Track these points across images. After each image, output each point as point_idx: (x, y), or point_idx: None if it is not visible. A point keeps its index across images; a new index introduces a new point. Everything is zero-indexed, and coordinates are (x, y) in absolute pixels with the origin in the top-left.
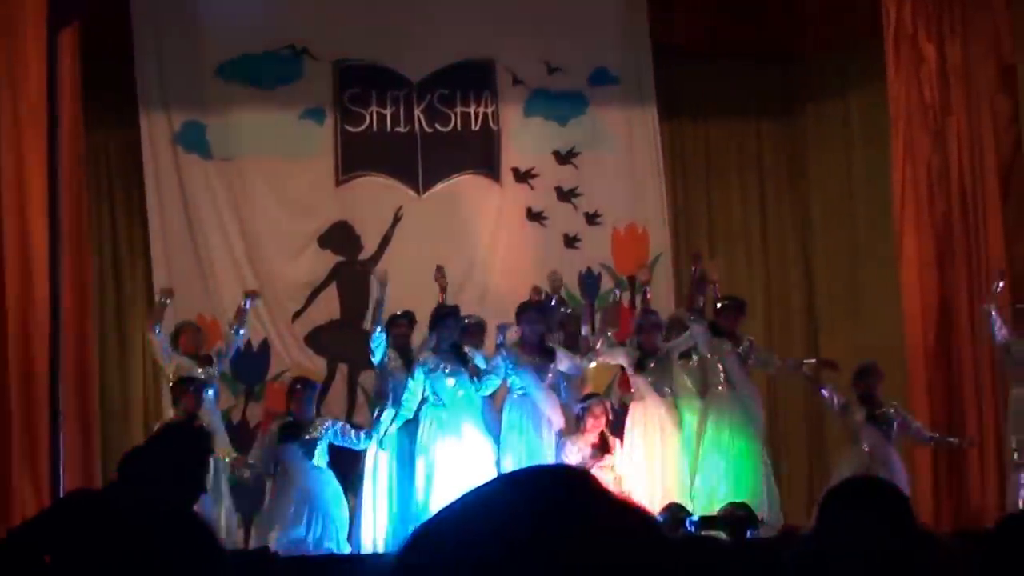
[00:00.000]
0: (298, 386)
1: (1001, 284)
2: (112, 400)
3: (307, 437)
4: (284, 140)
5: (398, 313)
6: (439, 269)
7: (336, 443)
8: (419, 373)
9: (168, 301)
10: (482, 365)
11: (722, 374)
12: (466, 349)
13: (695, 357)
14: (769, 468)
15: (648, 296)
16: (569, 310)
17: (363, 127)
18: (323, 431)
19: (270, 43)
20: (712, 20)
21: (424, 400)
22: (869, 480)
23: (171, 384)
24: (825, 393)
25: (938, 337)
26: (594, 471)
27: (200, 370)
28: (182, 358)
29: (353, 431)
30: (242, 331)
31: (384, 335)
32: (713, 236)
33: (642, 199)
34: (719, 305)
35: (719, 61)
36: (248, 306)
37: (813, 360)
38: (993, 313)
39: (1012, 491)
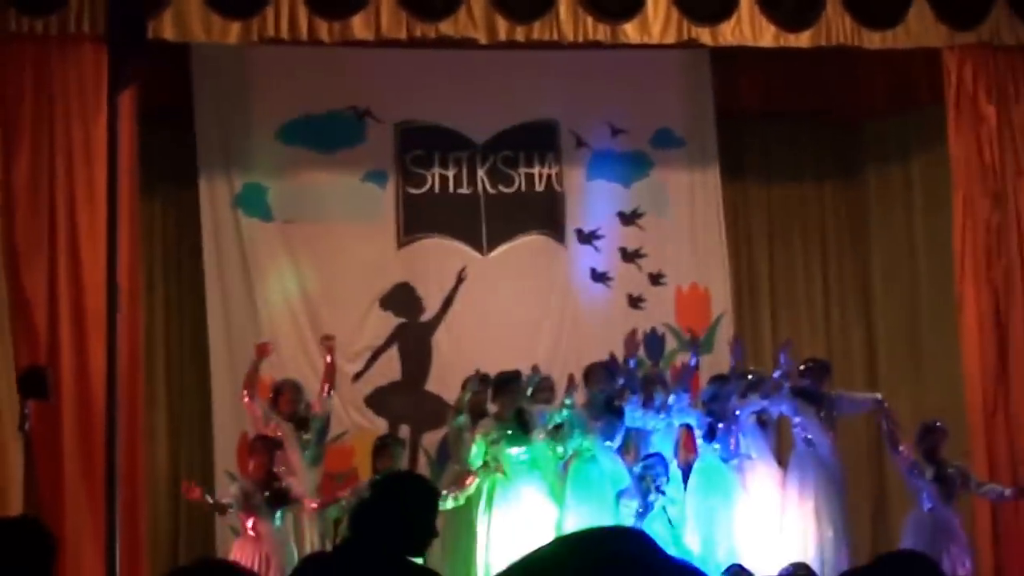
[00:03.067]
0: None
1: None
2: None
3: None
4: (346, 202)
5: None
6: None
7: None
8: (481, 444)
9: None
10: (558, 419)
11: (804, 435)
12: (535, 410)
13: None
14: (844, 527)
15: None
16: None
17: (425, 189)
18: None
19: (331, 105)
20: (774, 84)
21: (484, 465)
22: (913, 557)
23: (250, 441)
24: (901, 451)
25: (996, 395)
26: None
27: (299, 434)
28: (284, 423)
29: None
30: (333, 391)
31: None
32: (775, 297)
33: (704, 260)
34: (803, 367)
35: (782, 124)
36: (331, 359)
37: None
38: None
39: None
